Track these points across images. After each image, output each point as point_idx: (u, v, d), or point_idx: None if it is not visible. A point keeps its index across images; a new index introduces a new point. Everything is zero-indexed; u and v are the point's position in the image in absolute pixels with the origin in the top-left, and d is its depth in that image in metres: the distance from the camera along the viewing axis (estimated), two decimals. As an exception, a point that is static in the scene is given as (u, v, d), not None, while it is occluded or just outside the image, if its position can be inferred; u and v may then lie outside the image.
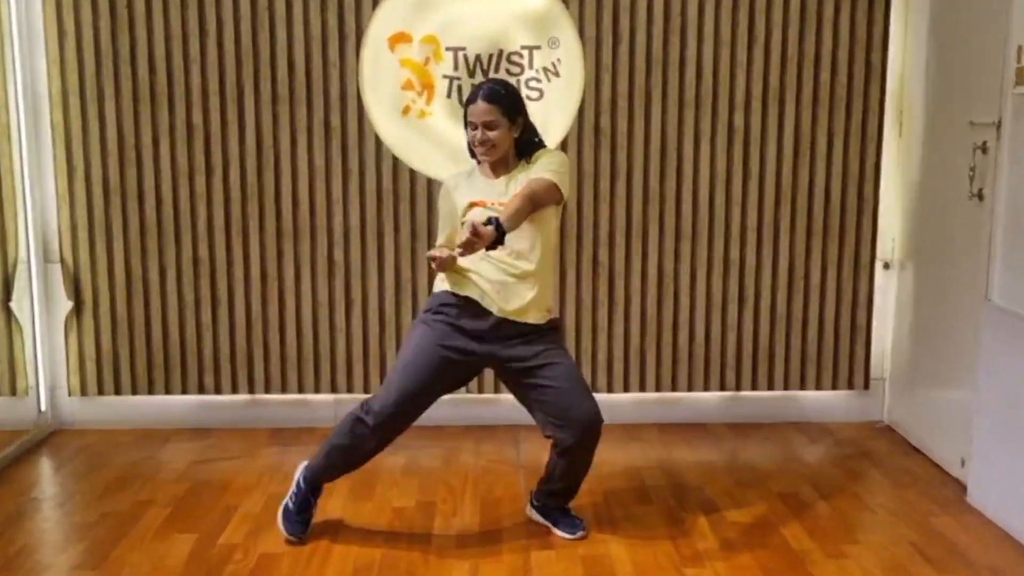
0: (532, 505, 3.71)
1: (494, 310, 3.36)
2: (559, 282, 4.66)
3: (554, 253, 3.54)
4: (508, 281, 3.35)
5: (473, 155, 3.44)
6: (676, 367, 4.77)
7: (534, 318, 3.41)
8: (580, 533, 3.58)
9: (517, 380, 3.46)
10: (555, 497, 3.63)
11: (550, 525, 3.63)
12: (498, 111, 3.31)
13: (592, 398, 3.42)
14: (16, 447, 4.37)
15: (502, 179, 3.40)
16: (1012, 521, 3.61)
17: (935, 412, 4.35)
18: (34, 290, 4.55)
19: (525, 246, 3.36)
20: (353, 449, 3.47)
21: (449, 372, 3.42)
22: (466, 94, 3.84)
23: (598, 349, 4.74)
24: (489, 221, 3.12)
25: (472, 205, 3.36)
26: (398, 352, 3.63)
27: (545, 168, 3.37)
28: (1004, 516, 3.67)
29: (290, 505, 3.57)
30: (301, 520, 3.56)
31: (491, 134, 3.31)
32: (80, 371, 4.66)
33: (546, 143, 3.59)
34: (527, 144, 3.45)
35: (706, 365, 4.78)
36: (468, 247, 3.06)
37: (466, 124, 3.39)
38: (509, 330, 3.38)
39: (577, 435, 3.36)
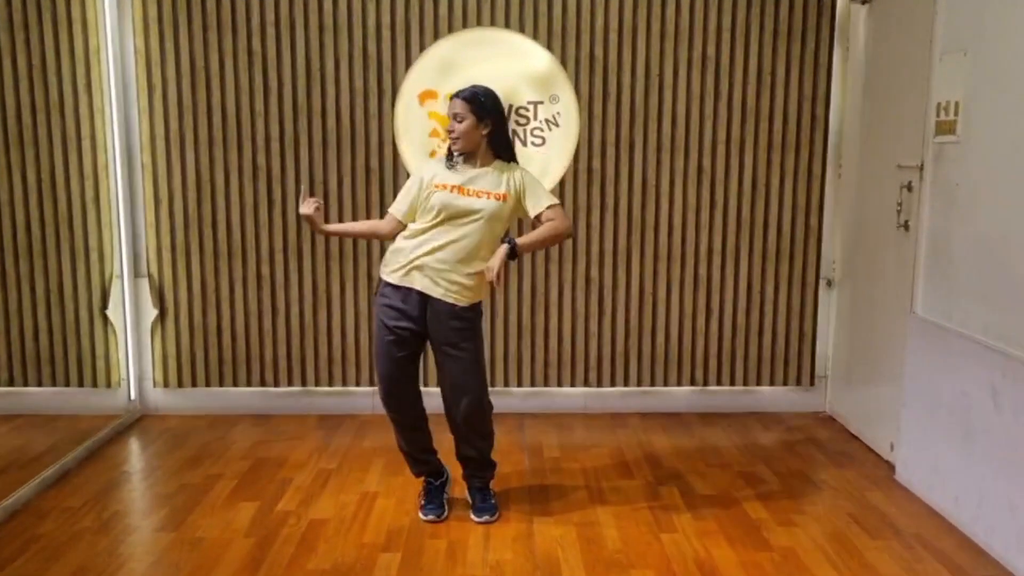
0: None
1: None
2: (558, 296, 4.57)
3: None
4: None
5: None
6: (654, 366, 4.67)
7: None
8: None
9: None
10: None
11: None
12: (468, 108, 3.12)
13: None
14: (110, 429, 4.32)
15: (468, 170, 3.16)
16: (932, 496, 3.55)
17: (869, 404, 4.27)
18: (126, 300, 4.49)
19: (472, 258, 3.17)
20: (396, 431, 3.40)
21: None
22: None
23: (590, 351, 4.64)
24: (507, 241, 3.05)
25: (436, 186, 3.14)
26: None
27: (548, 201, 3.15)
28: (926, 491, 3.61)
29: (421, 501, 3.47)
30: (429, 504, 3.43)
31: (458, 126, 3.12)
32: (163, 367, 4.57)
33: (548, 184, 3.45)
34: (501, 148, 3.20)
35: (679, 364, 4.67)
36: (497, 280, 3.03)
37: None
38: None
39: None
